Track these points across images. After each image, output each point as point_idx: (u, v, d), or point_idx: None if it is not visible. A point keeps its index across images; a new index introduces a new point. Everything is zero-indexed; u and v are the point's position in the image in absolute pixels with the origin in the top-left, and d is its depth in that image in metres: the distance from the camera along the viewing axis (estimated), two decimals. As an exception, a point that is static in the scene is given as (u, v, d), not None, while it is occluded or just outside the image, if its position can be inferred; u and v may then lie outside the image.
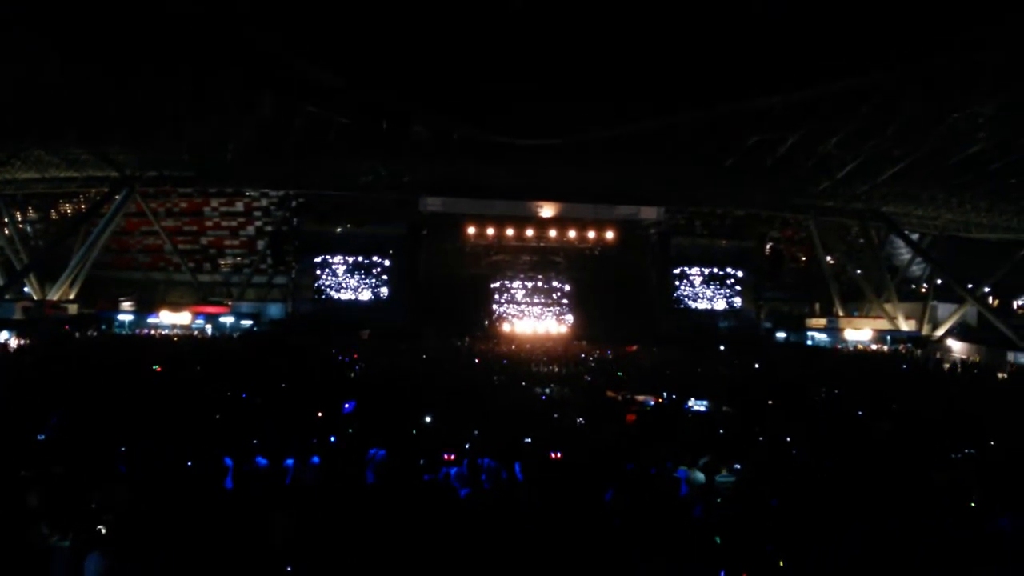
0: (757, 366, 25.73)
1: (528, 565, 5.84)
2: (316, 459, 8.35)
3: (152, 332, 36.32)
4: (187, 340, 31.52)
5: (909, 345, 37.70)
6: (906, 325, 41.03)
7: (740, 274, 43.26)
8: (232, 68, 21.34)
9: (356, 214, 40.30)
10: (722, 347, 33.43)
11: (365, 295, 40.93)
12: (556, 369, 22.18)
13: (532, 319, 43.92)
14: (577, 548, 6.05)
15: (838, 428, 11.95)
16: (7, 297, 34.46)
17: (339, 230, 40.45)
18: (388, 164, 33.16)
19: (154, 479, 7.20)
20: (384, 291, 41.11)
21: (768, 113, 24.96)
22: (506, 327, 42.91)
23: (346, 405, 12.62)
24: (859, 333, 40.38)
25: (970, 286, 40.88)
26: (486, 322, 42.44)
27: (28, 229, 42.16)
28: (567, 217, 40.56)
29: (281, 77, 22.34)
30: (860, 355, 34.38)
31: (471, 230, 40.96)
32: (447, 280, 41.34)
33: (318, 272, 40.90)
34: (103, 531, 5.67)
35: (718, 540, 5.95)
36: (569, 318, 43.99)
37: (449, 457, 8.61)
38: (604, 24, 18.06)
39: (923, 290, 44.93)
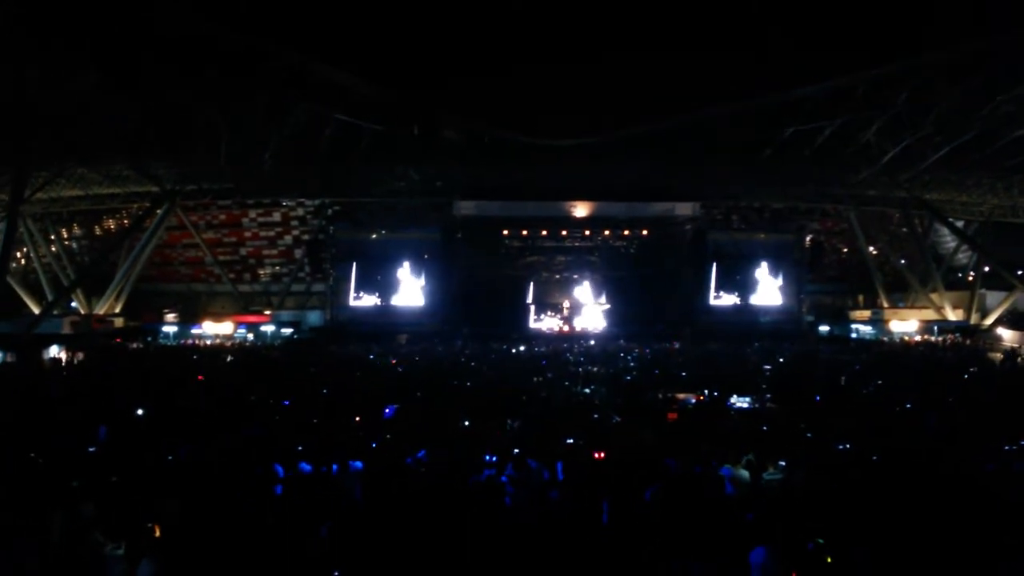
0: (801, 360, 25.29)
1: (571, 566, 5.81)
2: (359, 464, 8.39)
3: (196, 342, 37.00)
4: (230, 349, 32.02)
5: (957, 335, 36.69)
6: (953, 315, 40.04)
7: (780, 267, 42.44)
8: (262, 78, 21.68)
9: (390, 220, 40.58)
10: (765, 342, 32.89)
11: (402, 300, 41.11)
12: (595, 368, 22.03)
13: (569, 318, 43.77)
14: (617, 548, 6.01)
15: (886, 422, 11.67)
16: (55, 312, 35.37)
17: (374, 236, 40.72)
18: (420, 169, 33.37)
19: (202, 487, 7.31)
20: (420, 295, 41.25)
21: (805, 103, 24.62)
22: (543, 327, 42.83)
23: (387, 410, 12.68)
24: (905, 324, 39.44)
25: (1020, 272, 39.73)
26: (523, 323, 42.38)
27: (74, 245, 43.29)
28: (601, 216, 40.26)
29: (312, 85, 22.65)
30: (907, 346, 33.56)
31: (505, 232, 40.98)
32: (483, 282, 41.32)
33: (355, 278, 41.18)
34: (156, 538, 5.78)
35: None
36: (606, 317, 43.72)
37: (491, 459, 8.59)
38: (634, 20, 17.97)
39: (970, 278, 43.75)
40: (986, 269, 41.76)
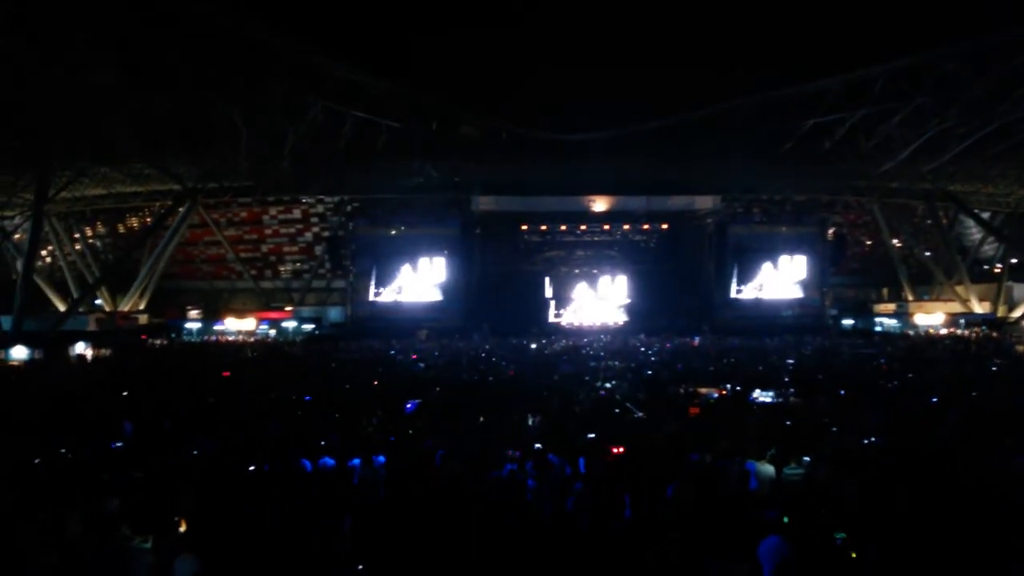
0: (824, 354, 25.06)
1: (593, 560, 5.81)
2: (381, 458, 8.42)
3: (219, 339, 37.34)
4: (252, 345, 32.28)
5: (983, 328, 36.13)
6: (980, 307, 39.42)
7: (802, 261, 41.95)
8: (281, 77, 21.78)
9: (410, 216, 40.69)
10: (787, 336, 32.62)
11: (421, 296, 41.22)
12: (616, 363, 21.94)
13: (588, 313, 43.62)
14: (639, 543, 5.98)
15: (909, 418, 11.49)
16: (81, 310, 35.82)
17: (393, 232, 40.79)
18: (439, 165, 33.40)
19: (226, 482, 7.37)
20: (440, 291, 41.34)
21: (825, 96, 24.37)
22: (563, 322, 42.73)
23: (408, 405, 12.71)
24: (930, 317, 38.91)
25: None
26: (542, 318, 42.28)
27: (98, 244, 43.80)
28: (620, 210, 40.09)
29: (330, 84, 22.73)
30: (932, 340, 33.11)
31: (524, 227, 40.91)
32: (502, 278, 41.31)
33: (375, 274, 41.34)
34: (182, 532, 5.83)
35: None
36: (626, 311, 43.50)
37: (513, 454, 8.59)
38: (651, 10, 17.86)
39: (997, 270, 43.06)
40: (1013, 261, 41.10)
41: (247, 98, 23.47)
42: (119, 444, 9.69)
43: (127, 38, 19.01)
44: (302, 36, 20.03)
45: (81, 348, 28.94)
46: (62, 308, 36.76)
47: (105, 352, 27.95)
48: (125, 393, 14.52)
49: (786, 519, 6.06)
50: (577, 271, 44.55)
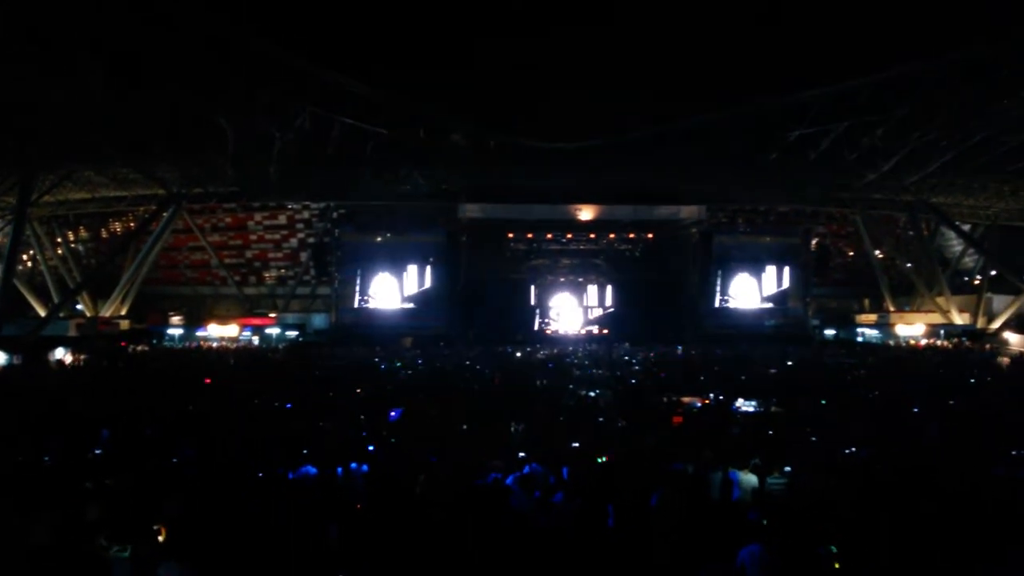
0: (806, 364, 25.24)
1: (577, 570, 5.81)
2: (364, 467, 8.39)
3: (201, 345, 37.06)
4: (234, 352, 32.07)
5: (963, 339, 36.50)
6: (960, 318, 39.77)
7: (786, 271, 42.34)
8: (270, 82, 21.69)
9: (396, 223, 40.64)
10: (770, 345, 32.82)
11: (407, 303, 41.15)
12: (600, 372, 22.01)
13: (573, 321, 43.71)
14: (623, 552, 5.99)
15: (891, 427, 11.60)
16: (61, 315, 35.42)
17: (379, 239, 40.78)
18: (426, 172, 33.38)
19: (208, 490, 7.30)
20: (425, 299, 41.26)
21: (810, 107, 24.56)
22: (548, 330, 42.80)
23: (392, 413, 12.67)
24: (911, 328, 39.25)
25: (1027, 276, 39.52)
26: (528, 326, 42.34)
27: (80, 248, 43.35)
28: (606, 219, 40.19)
29: (318, 90, 22.68)
30: (913, 350, 33.42)
31: (510, 235, 40.97)
32: (487, 286, 41.38)
33: (360, 281, 41.25)
34: (162, 541, 5.77)
35: None
36: (611, 320, 43.63)
37: (496, 463, 8.57)
38: (639, 21, 17.97)
39: (976, 282, 43.52)
40: (993, 273, 41.53)
41: (236, 103, 23.35)
42: (99, 451, 9.59)
43: (120, 40, 18.85)
44: (291, 41, 19.96)
45: (61, 353, 28.61)
46: (42, 313, 36.33)
47: (85, 358, 27.66)
48: (105, 399, 14.37)
49: (767, 527, 6.11)
50: (563, 280, 44.67)
